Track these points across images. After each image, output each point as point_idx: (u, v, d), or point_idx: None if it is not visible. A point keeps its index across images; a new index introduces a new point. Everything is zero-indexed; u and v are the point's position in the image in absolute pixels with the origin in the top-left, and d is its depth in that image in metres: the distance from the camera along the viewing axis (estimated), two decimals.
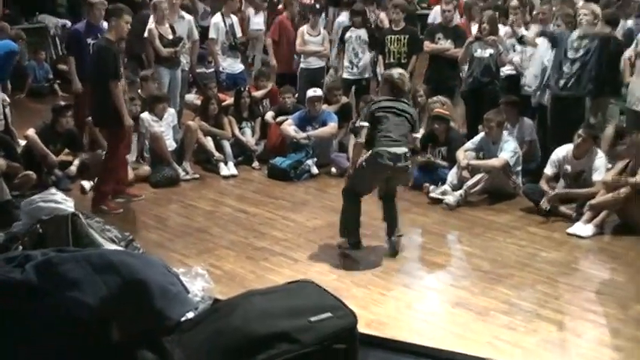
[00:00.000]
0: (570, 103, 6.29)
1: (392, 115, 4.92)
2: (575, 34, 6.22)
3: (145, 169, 6.92)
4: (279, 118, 7.61)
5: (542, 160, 6.55)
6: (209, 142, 7.30)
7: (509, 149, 6.32)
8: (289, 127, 7.32)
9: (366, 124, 4.95)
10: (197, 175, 7.08)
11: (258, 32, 11.97)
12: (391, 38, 7.92)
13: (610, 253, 5.31)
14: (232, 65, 8.69)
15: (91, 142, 7.14)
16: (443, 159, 6.74)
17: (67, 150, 7.00)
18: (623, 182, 5.51)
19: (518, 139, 6.67)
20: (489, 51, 7.02)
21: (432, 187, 6.42)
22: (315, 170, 7.16)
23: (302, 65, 8.50)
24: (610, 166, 5.95)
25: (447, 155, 6.72)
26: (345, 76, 8.33)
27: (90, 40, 7.19)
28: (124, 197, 6.31)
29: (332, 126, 7.35)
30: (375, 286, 4.65)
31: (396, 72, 5.22)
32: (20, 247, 3.34)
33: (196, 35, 8.38)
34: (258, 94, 8.11)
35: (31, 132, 6.69)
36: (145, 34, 7.75)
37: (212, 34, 8.57)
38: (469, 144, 6.59)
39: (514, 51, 7.33)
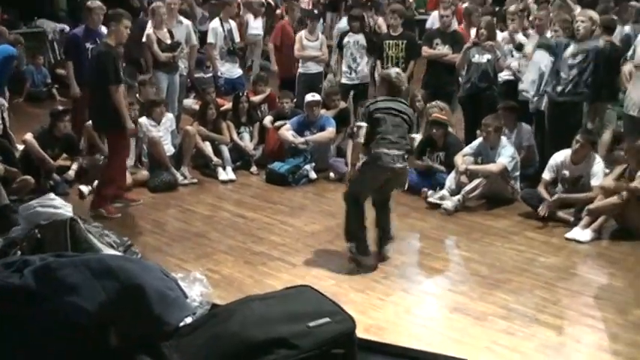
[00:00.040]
0: (568, 108, 6.30)
1: (390, 117, 4.91)
2: (570, 50, 6.22)
3: (143, 173, 6.92)
4: (277, 123, 7.61)
5: (540, 166, 6.56)
6: (207, 147, 7.30)
7: (507, 154, 6.33)
8: (287, 132, 7.33)
9: (364, 124, 4.93)
10: (195, 180, 7.08)
11: (257, 37, 12.01)
12: (389, 43, 7.94)
13: (608, 258, 5.31)
14: (230, 70, 8.71)
15: (90, 146, 7.15)
16: (441, 164, 6.74)
17: (65, 154, 7.00)
18: (624, 187, 5.52)
19: (516, 145, 6.68)
20: (487, 56, 7.03)
21: (430, 192, 6.42)
22: (313, 175, 7.17)
23: (300, 70, 8.52)
24: (608, 171, 5.96)
25: (445, 160, 6.72)
26: (344, 81, 8.34)
27: (88, 45, 7.20)
28: (122, 202, 6.31)
29: (330, 131, 7.36)
30: (373, 291, 4.64)
31: (394, 71, 5.22)
32: (19, 252, 3.33)
33: (194, 40, 8.39)
34: (256, 99, 8.12)
35: (29, 136, 6.69)
36: (144, 39, 7.76)
37: (210, 39, 8.59)
38: (467, 149, 6.60)
39: (512, 56, 7.34)
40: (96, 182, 6.52)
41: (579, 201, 5.83)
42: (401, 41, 7.90)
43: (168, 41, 7.77)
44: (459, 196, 6.22)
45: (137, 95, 7.68)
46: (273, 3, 14.70)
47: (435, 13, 11.61)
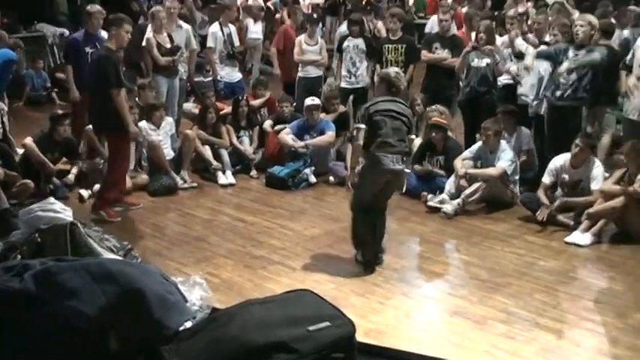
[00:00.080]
0: (567, 112, 6.31)
1: (390, 120, 4.90)
2: (565, 65, 6.21)
3: (143, 177, 6.92)
4: (277, 127, 7.62)
5: (539, 169, 6.57)
6: (207, 151, 7.30)
7: (506, 158, 6.33)
8: (287, 135, 7.33)
9: (363, 126, 4.93)
10: (195, 184, 7.08)
11: (257, 41, 12.04)
12: (389, 47, 7.94)
13: (608, 261, 5.31)
14: (230, 74, 8.72)
15: (89, 150, 7.15)
16: (441, 168, 6.75)
17: (64, 158, 7.00)
18: (623, 191, 5.52)
19: (516, 149, 6.68)
20: (486, 60, 7.04)
21: (429, 196, 6.42)
22: (312, 179, 7.17)
23: (300, 74, 8.53)
24: (607, 175, 5.97)
25: (444, 164, 6.73)
26: (343, 85, 8.35)
27: (88, 49, 7.21)
28: (122, 206, 6.31)
29: (330, 135, 7.37)
30: (373, 295, 4.64)
31: (393, 70, 5.20)
32: (19, 256, 3.34)
33: (194, 44, 8.41)
34: (256, 102, 8.13)
35: (28, 140, 6.69)
36: (143, 43, 7.77)
37: (210, 43, 8.60)
38: (467, 153, 6.61)
39: (511, 60, 7.35)
40: (96, 186, 6.53)
41: (579, 205, 5.83)
42: (400, 45, 7.91)
43: (168, 45, 7.78)
44: (458, 200, 6.22)
45: (137, 99, 7.69)
46: (272, 7, 14.75)
47: (433, 18, 11.65)
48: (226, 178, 7.19)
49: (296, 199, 6.78)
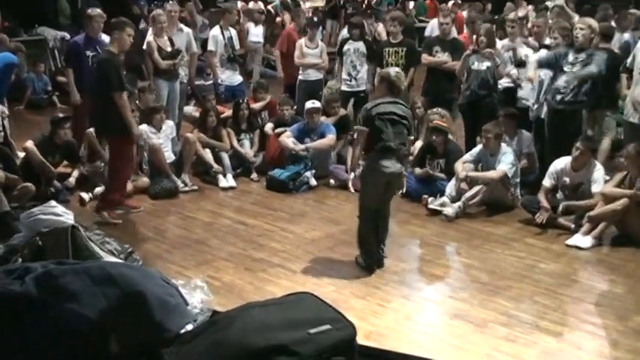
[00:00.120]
0: (567, 116, 6.31)
1: (391, 124, 4.91)
2: (564, 78, 6.20)
3: (144, 180, 6.92)
4: (278, 130, 7.63)
5: (540, 172, 6.57)
6: (208, 154, 7.31)
7: (507, 161, 6.33)
8: (288, 138, 7.34)
9: (364, 129, 4.93)
10: (196, 187, 7.08)
11: (257, 45, 12.07)
12: (389, 51, 7.96)
13: (609, 264, 5.31)
14: (231, 77, 8.73)
15: (90, 153, 7.16)
16: (441, 171, 6.75)
17: (65, 162, 7.00)
18: (628, 194, 5.52)
19: (516, 152, 6.68)
20: (487, 64, 7.05)
21: (430, 199, 6.42)
22: (313, 182, 7.17)
23: (300, 77, 8.55)
24: (608, 178, 5.97)
25: (445, 167, 6.73)
26: (344, 88, 8.36)
27: (89, 53, 7.23)
28: (123, 209, 6.31)
29: (330, 138, 7.37)
30: (373, 298, 4.64)
31: (393, 70, 5.18)
32: (20, 260, 3.35)
33: (195, 48, 8.42)
34: (256, 106, 8.14)
35: (29, 144, 6.69)
36: (144, 47, 7.78)
37: (211, 47, 8.61)
38: (467, 156, 6.61)
39: (511, 63, 7.36)
40: (97, 189, 6.54)
41: (580, 208, 5.83)
42: (401, 48, 7.93)
43: (169, 49, 7.79)
44: (459, 203, 6.22)
45: (137, 102, 7.70)
46: (273, 11, 14.78)
47: (433, 21, 11.69)
48: (227, 181, 7.19)
49: (296, 202, 6.78)
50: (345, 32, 9.69)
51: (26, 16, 12.45)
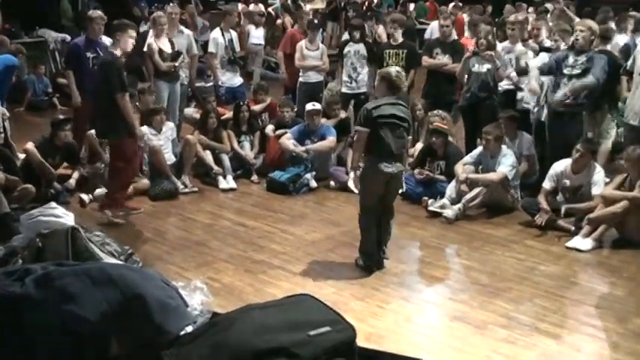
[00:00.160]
0: (568, 118, 6.31)
1: (392, 128, 4.91)
2: (562, 92, 6.19)
3: (144, 182, 6.92)
4: (278, 132, 7.63)
5: (540, 175, 6.57)
6: (208, 156, 7.31)
7: (507, 163, 6.33)
8: (288, 140, 7.34)
9: (364, 129, 4.93)
10: (196, 189, 7.08)
11: (258, 47, 12.08)
12: (389, 53, 7.96)
13: (609, 266, 5.31)
14: (231, 79, 8.73)
15: (90, 155, 7.16)
16: (441, 173, 6.75)
17: (65, 163, 7.00)
18: (628, 197, 5.51)
19: (517, 154, 6.68)
20: (487, 66, 7.05)
21: (430, 201, 6.42)
22: (313, 184, 7.17)
23: (301, 79, 8.55)
24: (608, 180, 5.97)
25: (445, 169, 6.73)
26: (344, 90, 8.37)
27: (89, 55, 7.23)
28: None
29: (331, 140, 7.38)
30: (373, 300, 4.64)
31: (394, 69, 5.14)
32: (20, 261, 3.35)
33: (195, 49, 8.43)
34: (257, 107, 8.14)
35: (30, 145, 6.70)
36: (145, 49, 7.79)
37: (211, 49, 8.62)
38: (467, 158, 6.62)
39: (511, 66, 7.36)
40: (97, 191, 6.54)
41: (580, 210, 5.83)
42: (401, 50, 7.93)
43: (170, 51, 7.79)
44: (459, 205, 6.22)
45: (137, 104, 7.70)
46: (273, 13, 14.79)
47: (433, 24, 11.69)
48: (227, 182, 7.19)
49: (297, 204, 6.78)
50: (347, 35, 9.70)
51: (27, 18, 12.45)
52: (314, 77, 8.52)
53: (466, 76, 7.24)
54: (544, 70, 6.47)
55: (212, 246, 5.63)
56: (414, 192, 6.63)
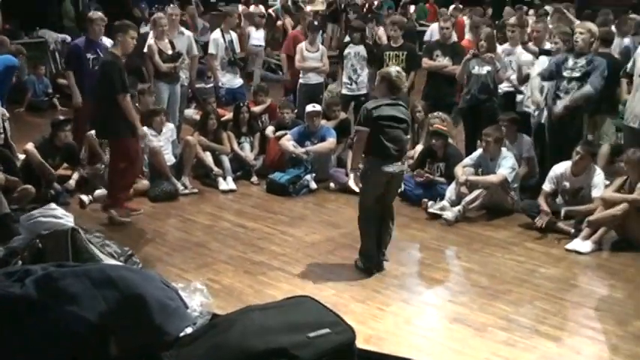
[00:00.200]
0: (567, 120, 6.31)
1: (392, 129, 4.91)
2: (561, 105, 6.17)
3: (144, 183, 6.92)
4: (278, 133, 7.63)
5: (540, 177, 6.57)
6: (208, 157, 7.31)
7: (507, 165, 6.34)
8: (288, 142, 7.34)
9: (365, 129, 4.92)
10: (196, 190, 7.08)
11: (258, 48, 12.08)
12: (390, 54, 7.96)
13: (608, 269, 5.31)
14: (231, 80, 8.74)
15: (90, 156, 7.16)
16: (441, 175, 6.76)
17: (65, 164, 7.00)
18: (628, 199, 5.51)
19: (516, 156, 6.69)
20: (487, 68, 7.05)
21: (430, 203, 6.43)
22: (313, 185, 7.18)
23: (301, 81, 8.56)
24: (608, 182, 5.97)
25: (445, 171, 6.74)
26: (344, 92, 8.38)
27: (89, 55, 7.24)
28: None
29: (331, 141, 7.38)
30: (373, 302, 4.64)
31: (394, 70, 5.12)
32: (20, 262, 3.35)
33: (196, 51, 8.43)
34: (257, 109, 8.14)
35: (30, 146, 6.70)
36: (145, 50, 7.79)
37: (211, 50, 8.63)
38: (467, 160, 6.62)
39: (512, 69, 7.36)
40: (97, 192, 6.54)
41: (580, 212, 5.83)
42: (401, 52, 7.94)
43: (170, 52, 7.80)
44: (459, 207, 6.23)
45: (137, 104, 7.71)
46: (274, 14, 14.80)
47: (433, 26, 11.70)
48: (227, 184, 7.19)
49: (296, 206, 6.78)
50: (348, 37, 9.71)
51: (27, 19, 12.46)
52: (314, 79, 8.53)
53: (466, 78, 7.24)
54: (545, 76, 6.47)
55: (212, 247, 5.63)
56: (413, 194, 6.64)
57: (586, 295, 4.85)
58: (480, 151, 6.63)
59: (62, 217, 3.82)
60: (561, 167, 6.05)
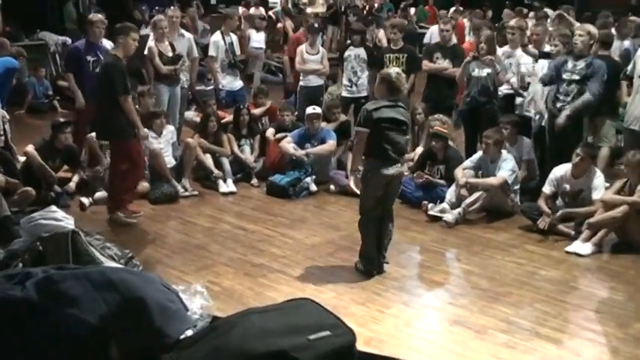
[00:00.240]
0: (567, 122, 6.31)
1: (392, 132, 4.91)
2: (563, 116, 6.16)
3: (144, 185, 6.92)
4: (278, 135, 7.64)
5: (540, 179, 6.57)
6: (208, 159, 7.31)
7: (507, 168, 6.34)
8: (288, 144, 7.35)
9: (365, 130, 4.92)
10: (196, 192, 7.08)
11: (259, 51, 12.09)
12: (390, 57, 7.97)
13: (609, 271, 5.31)
14: (232, 83, 8.74)
15: (91, 158, 7.16)
16: (441, 177, 6.76)
17: (66, 166, 7.01)
18: (628, 201, 5.51)
19: (516, 158, 6.69)
20: (487, 70, 7.05)
21: (430, 205, 6.43)
22: (313, 187, 7.18)
23: (301, 83, 8.57)
24: (608, 185, 5.97)
25: (445, 173, 6.74)
26: (344, 94, 8.38)
27: (90, 58, 7.24)
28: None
29: (331, 144, 7.38)
30: (373, 304, 4.64)
31: (394, 71, 5.12)
32: (20, 264, 3.35)
33: (196, 53, 8.44)
34: (257, 111, 8.15)
35: (30, 148, 6.70)
36: (145, 52, 7.80)
37: (212, 52, 8.64)
38: (467, 162, 6.62)
39: (512, 72, 7.36)
40: (97, 194, 6.55)
41: (580, 215, 5.84)
42: (401, 55, 7.95)
43: (170, 54, 7.81)
44: (459, 209, 6.22)
45: (137, 106, 7.71)
46: (274, 16, 14.82)
47: (433, 28, 11.70)
48: (227, 186, 7.19)
49: (297, 208, 6.79)
50: None
51: (27, 21, 12.47)
52: (314, 81, 8.54)
53: (466, 80, 7.24)
54: (545, 82, 6.47)
55: (212, 250, 5.63)
56: (413, 196, 6.64)
57: (586, 298, 4.84)
58: (480, 153, 6.63)
59: (62, 219, 3.82)
60: (561, 169, 6.05)
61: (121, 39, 5.94)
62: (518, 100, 7.34)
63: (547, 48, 7.17)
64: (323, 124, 7.63)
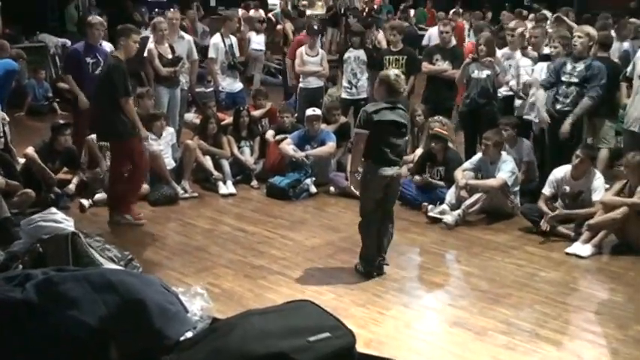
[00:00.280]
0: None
1: (392, 134, 4.91)
2: (567, 124, 6.18)
3: (144, 187, 6.92)
4: (278, 137, 7.64)
5: (540, 181, 6.58)
6: (208, 161, 7.32)
7: (507, 169, 6.34)
8: (288, 146, 7.35)
9: (364, 131, 4.91)
10: (196, 194, 7.08)
11: (259, 52, 12.11)
12: (389, 59, 7.98)
13: (609, 272, 5.31)
14: (231, 84, 8.75)
15: (90, 160, 7.16)
16: (441, 179, 6.76)
17: (65, 168, 7.01)
18: (627, 203, 5.52)
19: (516, 160, 6.69)
20: (486, 72, 7.06)
21: (430, 207, 6.43)
22: (313, 189, 7.18)
23: (301, 85, 8.58)
24: (608, 186, 5.98)
25: (444, 175, 6.74)
26: (344, 96, 8.39)
27: (89, 60, 7.24)
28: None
29: (330, 145, 7.39)
30: (373, 306, 4.64)
31: (393, 72, 5.11)
32: (20, 266, 3.35)
33: (196, 55, 8.44)
34: (257, 113, 8.16)
35: (30, 150, 6.71)
36: (145, 54, 7.81)
37: (211, 54, 8.64)
38: (467, 164, 6.62)
39: (511, 74, 7.37)
40: (97, 196, 6.55)
41: (580, 216, 5.84)
42: (401, 56, 7.96)
43: (170, 56, 7.81)
44: (459, 211, 6.23)
45: (136, 108, 7.70)
46: (274, 18, 14.83)
47: (432, 30, 11.72)
48: (227, 188, 7.20)
49: (296, 210, 6.79)
50: None
51: (27, 23, 12.48)
52: (314, 83, 8.55)
53: (465, 82, 7.24)
54: (546, 86, 6.46)
55: (212, 251, 5.63)
56: (413, 198, 6.64)
57: (586, 299, 4.84)
58: (479, 154, 6.63)
59: (62, 221, 3.82)
60: (561, 171, 6.05)
61: (123, 41, 5.96)
62: (518, 102, 7.34)
63: (546, 50, 7.18)
64: (323, 126, 7.64)
